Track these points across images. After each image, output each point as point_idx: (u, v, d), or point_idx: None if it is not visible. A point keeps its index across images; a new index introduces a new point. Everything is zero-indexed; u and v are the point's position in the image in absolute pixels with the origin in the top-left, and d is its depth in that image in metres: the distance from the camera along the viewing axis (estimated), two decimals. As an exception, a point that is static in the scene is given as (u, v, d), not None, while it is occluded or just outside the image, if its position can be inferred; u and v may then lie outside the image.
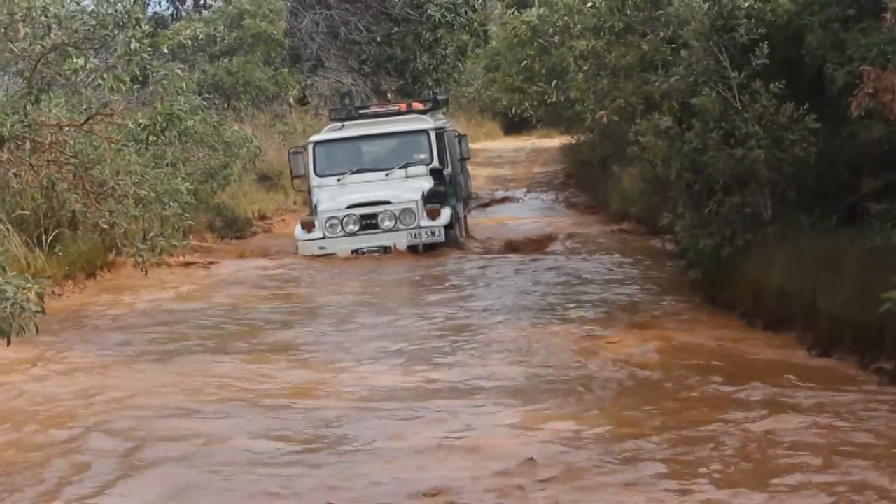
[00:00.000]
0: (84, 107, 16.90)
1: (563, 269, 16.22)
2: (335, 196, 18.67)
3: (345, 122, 19.78)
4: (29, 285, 6.81)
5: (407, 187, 18.66)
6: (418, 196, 18.38)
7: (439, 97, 22.16)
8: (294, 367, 10.85)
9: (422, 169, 19.12)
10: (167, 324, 13.11)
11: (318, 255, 18.09)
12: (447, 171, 19.40)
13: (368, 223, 18.24)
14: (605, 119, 14.03)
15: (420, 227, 18.17)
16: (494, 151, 38.23)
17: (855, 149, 11.25)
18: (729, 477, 7.12)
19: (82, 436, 8.53)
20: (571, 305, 13.26)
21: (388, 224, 18.21)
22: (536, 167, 34.29)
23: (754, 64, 11.72)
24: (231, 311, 13.93)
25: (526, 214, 24.19)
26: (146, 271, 15.93)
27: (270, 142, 26.10)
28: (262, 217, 24.22)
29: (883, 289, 8.85)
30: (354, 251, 18.14)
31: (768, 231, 11.98)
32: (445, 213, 18.50)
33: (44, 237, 15.66)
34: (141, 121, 14.87)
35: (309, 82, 31.55)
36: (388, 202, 18.34)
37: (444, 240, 18.23)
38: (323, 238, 18.23)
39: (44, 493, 7.41)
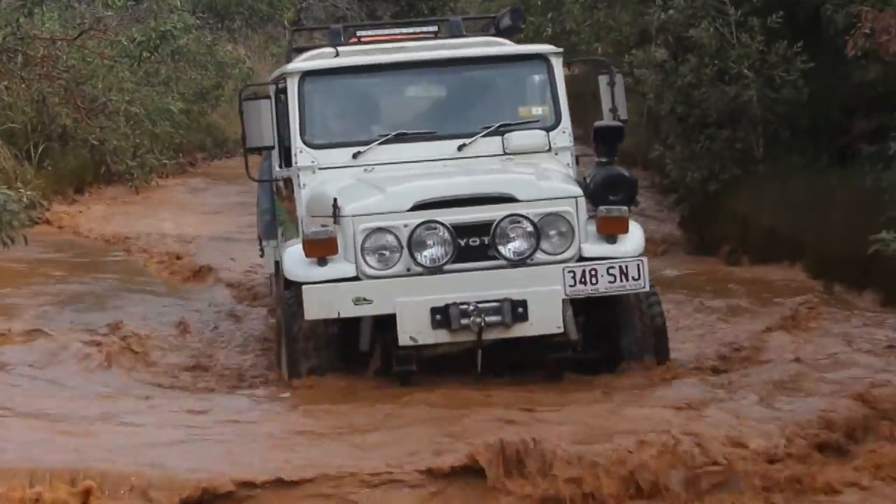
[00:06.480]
0: (77, 21, 16.82)
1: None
2: (378, 186, 8.14)
3: (339, 51, 9.24)
4: (21, 192, 6.80)
5: (539, 172, 8.29)
6: (576, 187, 8.08)
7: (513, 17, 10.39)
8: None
9: (539, 137, 8.67)
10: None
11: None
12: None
13: (467, 244, 7.72)
14: (599, 51, 13.98)
15: (584, 259, 7.75)
16: (488, 82, 38.01)
17: (849, 90, 11.23)
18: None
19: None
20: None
21: (517, 246, 7.70)
22: (529, 98, 34.15)
23: (754, 0, 11.66)
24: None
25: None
26: (137, 189, 15.94)
27: (263, 63, 25.92)
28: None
29: (871, 230, 8.87)
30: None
31: (759, 169, 11.99)
32: (637, 230, 8.06)
33: (33, 151, 15.63)
34: (135, 36, 14.79)
35: (304, 5, 31.28)
36: (509, 198, 7.80)
37: (646, 288, 7.72)
38: (357, 278, 7.68)
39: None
